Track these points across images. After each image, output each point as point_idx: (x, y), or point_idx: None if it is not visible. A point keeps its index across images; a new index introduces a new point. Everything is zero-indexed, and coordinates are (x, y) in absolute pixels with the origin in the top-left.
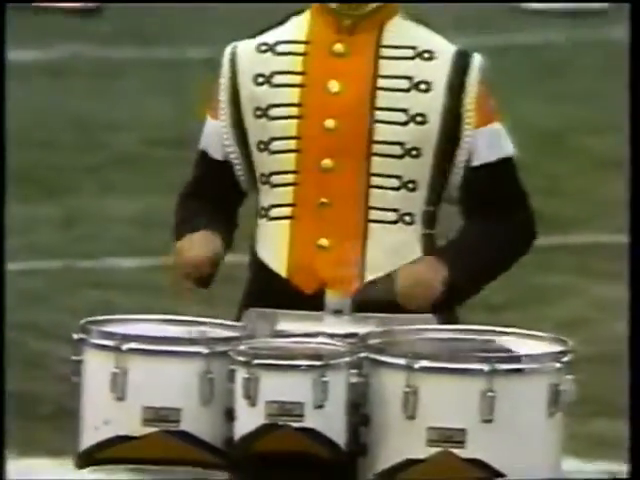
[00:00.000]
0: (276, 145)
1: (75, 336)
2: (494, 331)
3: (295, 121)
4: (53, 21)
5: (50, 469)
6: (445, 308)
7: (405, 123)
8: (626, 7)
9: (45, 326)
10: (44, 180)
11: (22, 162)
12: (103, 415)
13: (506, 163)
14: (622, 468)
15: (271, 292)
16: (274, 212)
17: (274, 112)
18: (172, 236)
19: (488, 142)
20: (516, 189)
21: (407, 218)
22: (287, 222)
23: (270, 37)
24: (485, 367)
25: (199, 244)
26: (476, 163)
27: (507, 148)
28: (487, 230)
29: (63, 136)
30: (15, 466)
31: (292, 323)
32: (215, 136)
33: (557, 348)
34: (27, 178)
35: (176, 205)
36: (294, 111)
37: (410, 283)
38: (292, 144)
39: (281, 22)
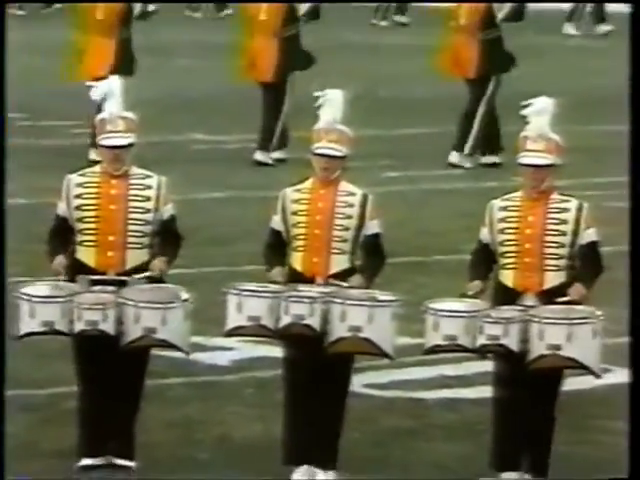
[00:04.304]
0: (298, 225)
1: (223, 290)
2: (374, 293)
3: (305, 217)
4: None
5: (218, 341)
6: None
7: (344, 219)
8: None
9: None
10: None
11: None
12: (233, 317)
13: (378, 235)
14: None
15: (296, 277)
16: (297, 249)
17: (298, 213)
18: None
19: (372, 226)
20: (381, 244)
21: (344, 252)
22: (302, 253)
23: (298, 186)
24: (369, 302)
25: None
26: (367, 234)
27: (378, 229)
28: (375, 262)
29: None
30: (207, 341)
31: (302, 287)
32: (275, 222)
33: (394, 298)
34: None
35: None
36: (305, 214)
37: (371, 280)
38: (304, 225)
39: (302, 181)
